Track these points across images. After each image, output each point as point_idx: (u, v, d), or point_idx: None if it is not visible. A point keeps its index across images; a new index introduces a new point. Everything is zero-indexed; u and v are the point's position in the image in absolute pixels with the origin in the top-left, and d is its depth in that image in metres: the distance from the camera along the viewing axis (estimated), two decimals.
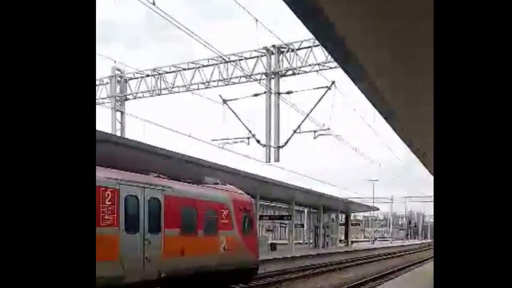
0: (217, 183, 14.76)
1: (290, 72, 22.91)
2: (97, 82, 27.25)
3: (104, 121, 27.94)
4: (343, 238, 48.45)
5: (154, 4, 12.78)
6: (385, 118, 10.90)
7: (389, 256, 40.43)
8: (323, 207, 37.94)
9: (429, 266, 22.52)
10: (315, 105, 22.40)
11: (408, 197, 79.62)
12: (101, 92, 27.66)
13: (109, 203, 9.70)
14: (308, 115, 22.46)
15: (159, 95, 26.21)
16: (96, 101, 27.22)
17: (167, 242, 11.18)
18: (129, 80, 27.44)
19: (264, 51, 22.95)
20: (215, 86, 24.53)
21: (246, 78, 23.56)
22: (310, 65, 22.39)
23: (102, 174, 9.81)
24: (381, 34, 6.19)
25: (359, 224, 64.40)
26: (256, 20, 18.36)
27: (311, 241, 40.25)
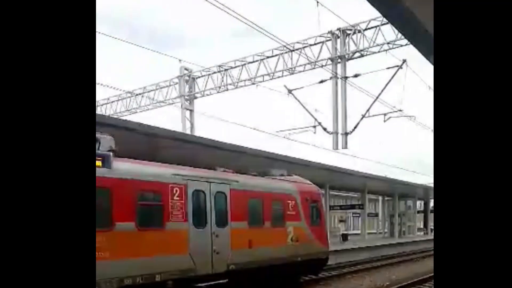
0: (283, 175, 14.80)
1: (357, 54, 22.03)
2: (166, 83, 28.33)
3: (174, 120, 28.83)
4: (422, 226, 46.74)
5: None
6: None
7: None
8: (398, 195, 36.71)
9: None
10: (385, 86, 21.31)
11: None
12: (171, 93, 28.49)
13: (178, 198, 10.07)
14: (378, 97, 21.51)
15: (226, 90, 26.49)
16: (167, 101, 28.20)
17: (234, 234, 11.41)
18: (196, 78, 27.93)
19: (329, 35, 22.31)
20: (280, 77, 24.31)
21: (311, 65, 23.12)
22: (378, 45, 21.40)
23: (170, 171, 10.22)
24: None
25: None
26: (318, 2, 17.85)
27: (386, 230, 39.15)
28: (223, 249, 11.01)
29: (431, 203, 50.67)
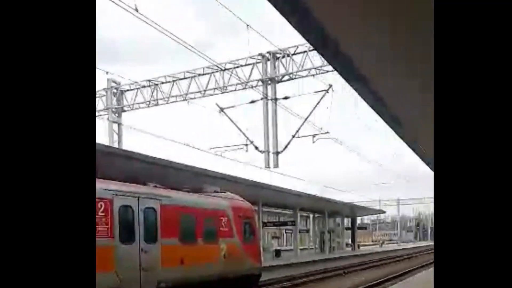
0: (216, 191, 14.70)
1: (286, 77, 22.82)
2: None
3: (101, 132, 27.91)
4: (350, 242, 48.17)
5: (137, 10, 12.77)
6: (386, 122, 10.77)
7: (397, 259, 40.13)
8: (328, 212, 37.72)
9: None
10: (313, 109, 22.32)
11: (415, 198, 79.19)
12: (97, 104, 27.43)
13: (103, 214, 9.65)
14: (306, 119, 22.39)
15: (156, 105, 26.08)
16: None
17: (165, 251, 11.07)
18: (125, 91, 27.32)
19: (259, 57, 22.88)
20: (211, 95, 24.43)
21: (242, 85, 23.52)
22: (306, 69, 22.30)
23: (96, 185, 9.79)
24: (376, 34, 6.08)
25: (366, 228, 63.90)
26: (248, 26, 18.33)
27: (317, 246, 39.97)
28: (153, 266, 10.63)
29: (358, 220, 52.58)
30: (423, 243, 79.38)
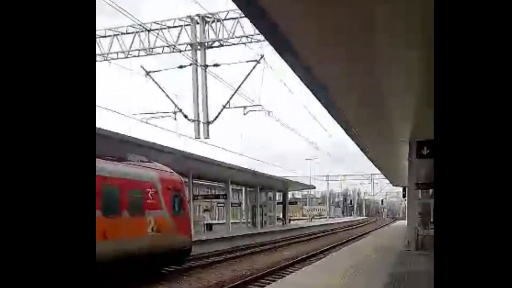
0: (142, 161, 13.68)
1: (216, 43, 21.69)
2: None
3: None
4: (281, 216, 48.69)
5: None
6: (319, 100, 10.43)
7: (327, 233, 41.11)
8: (260, 186, 37.59)
9: (359, 243, 22.79)
10: (244, 79, 21.53)
11: (344, 175, 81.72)
12: None
13: None
14: (237, 89, 21.57)
15: None
16: None
17: None
18: None
19: (188, 20, 21.52)
20: (135, 56, 22.67)
21: (169, 48, 22.08)
22: (237, 37, 21.36)
23: None
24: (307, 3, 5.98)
25: (297, 203, 64.90)
26: None
27: (249, 220, 39.90)
28: None
29: (289, 195, 53.26)
30: (349, 218, 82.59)
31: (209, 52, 21.95)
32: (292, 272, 14.17)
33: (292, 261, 17.50)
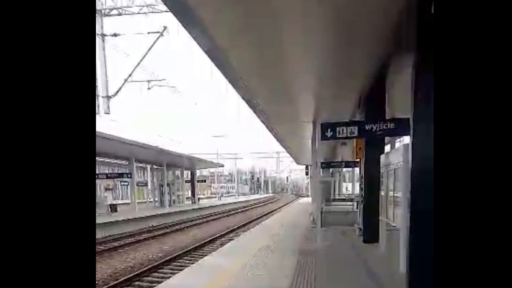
0: None
1: (115, 11, 20.43)
2: None
3: None
4: (190, 195, 48.14)
5: None
6: (225, 76, 10.13)
7: (236, 211, 41.45)
8: (167, 164, 36.58)
9: (269, 221, 23.18)
10: (146, 52, 20.62)
11: (251, 152, 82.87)
12: None
13: None
14: (139, 62, 20.62)
15: None
16: None
17: None
18: None
19: None
20: None
21: None
22: (138, 6, 20.33)
23: None
24: None
25: (205, 181, 64.44)
26: None
27: (156, 199, 38.85)
28: None
29: (198, 173, 52.84)
30: (257, 196, 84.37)
31: (107, 20, 20.64)
32: (205, 253, 13.91)
33: (203, 241, 17.23)
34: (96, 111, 20.40)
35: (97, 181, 28.34)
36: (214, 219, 30.91)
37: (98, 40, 19.81)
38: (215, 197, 70.51)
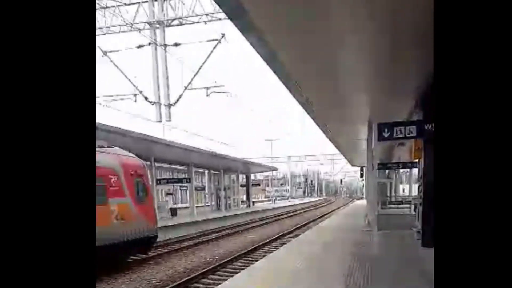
0: (102, 146, 13.02)
1: (176, 22, 20.97)
2: None
3: None
4: (245, 199, 48.55)
5: None
6: (281, 80, 10.22)
7: (290, 214, 41.42)
8: (223, 169, 37.21)
9: (325, 223, 22.97)
10: (205, 60, 20.97)
11: (305, 155, 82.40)
12: None
13: None
14: (199, 70, 20.98)
15: None
16: None
17: None
18: None
19: None
20: None
21: (127, 27, 21.13)
22: (198, 15, 20.70)
23: None
24: None
25: (259, 184, 64.70)
26: None
27: (213, 203, 39.54)
28: None
29: (252, 176, 53.19)
30: (310, 199, 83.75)
31: (168, 31, 21.24)
32: (259, 256, 14.02)
33: (258, 244, 17.36)
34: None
35: (159, 186, 29.17)
36: (269, 222, 31.04)
37: (160, 50, 20.43)
38: (269, 201, 70.65)
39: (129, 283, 11.23)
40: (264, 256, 13.01)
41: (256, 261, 11.89)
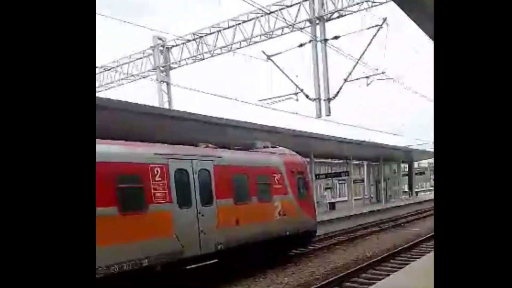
0: (267, 146, 14.37)
1: (336, 14, 20.96)
2: (140, 55, 26.74)
3: (150, 93, 27.32)
4: (406, 189, 46.90)
5: None
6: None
7: None
8: (383, 159, 36.40)
9: None
10: (366, 48, 20.52)
11: None
12: (145, 65, 26.74)
13: (159, 179, 9.61)
14: (359, 59, 20.80)
15: (202, 59, 25.01)
16: (141, 74, 26.84)
17: (220, 213, 11.03)
18: (171, 48, 26.18)
19: None
20: (257, 42, 23.16)
21: (289, 28, 22.08)
22: (357, 3, 20.44)
23: (149, 151, 9.73)
24: None
25: (423, 173, 60.73)
26: None
27: (372, 195, 39.09)
28: (210, 228, 10.63)
29: (415, 165, 50.77)
30: None
31: (329, 25, 21.36)
32: (424, 252, 13.89)
33: (421, 238, 17.07)
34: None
35: (318, 181, 29.85)
36: (431, 214, 29.86)
37: (320, 45, 21.00)
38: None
39: (291, 275, 12.06)
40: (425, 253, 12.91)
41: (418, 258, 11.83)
